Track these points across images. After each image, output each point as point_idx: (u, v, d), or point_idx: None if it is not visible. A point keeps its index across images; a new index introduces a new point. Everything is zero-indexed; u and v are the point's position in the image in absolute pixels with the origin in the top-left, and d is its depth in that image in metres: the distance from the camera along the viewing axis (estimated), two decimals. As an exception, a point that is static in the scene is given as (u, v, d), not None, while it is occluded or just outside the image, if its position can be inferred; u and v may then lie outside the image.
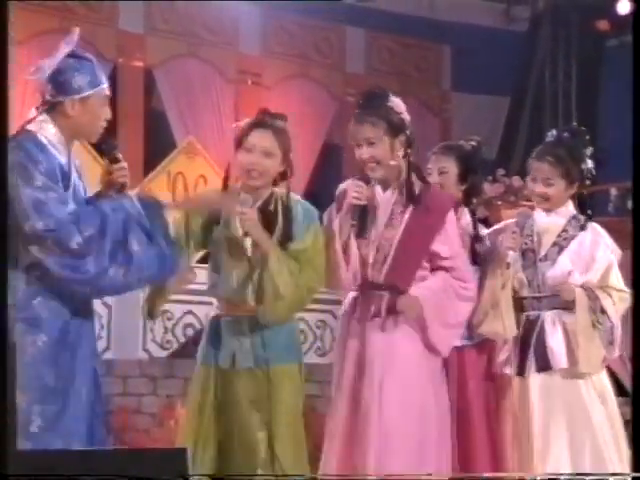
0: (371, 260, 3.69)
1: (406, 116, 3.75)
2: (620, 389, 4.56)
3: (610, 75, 9.38)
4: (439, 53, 10.19)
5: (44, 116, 3.41)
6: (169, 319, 8.59)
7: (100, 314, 7.99)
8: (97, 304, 8.65)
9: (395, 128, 3.70)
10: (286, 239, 3.53)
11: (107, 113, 3.49)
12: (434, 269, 3.72)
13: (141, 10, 8.82)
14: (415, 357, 3.67)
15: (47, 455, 2.87)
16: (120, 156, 3.50)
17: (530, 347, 3.96)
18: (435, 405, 3.67)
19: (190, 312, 8.64)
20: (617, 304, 3.95)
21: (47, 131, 3.40)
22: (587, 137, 4.10)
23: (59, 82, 3.40)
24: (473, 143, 4.22)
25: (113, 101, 10.10)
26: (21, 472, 2.57)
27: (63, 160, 3.41)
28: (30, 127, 3.37)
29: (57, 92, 3.40)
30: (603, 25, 9.35)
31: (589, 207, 4.14)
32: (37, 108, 3.44)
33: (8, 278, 2.69)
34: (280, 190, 3.62)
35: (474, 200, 4.16)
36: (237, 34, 9.26)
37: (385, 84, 8.68)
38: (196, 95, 8.99)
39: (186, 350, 8.00)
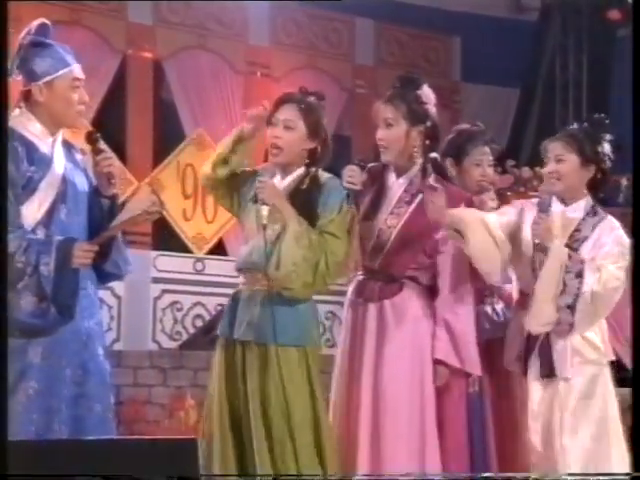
0: (371, 245, 3.68)
1: (431, 108, 3.74)
2: (623, 380, 4.48)
3: (621, 65, 9.34)
4: (449, 44, 10.17)
5: (24, 110, 3.45)
6: (179, 310, 8.61)
7: (110, 305, 8.01)
8: (107, 295, 8.70)
9: (415, 116, 3.69)
10: (316, 215, 3.51)
11: (82, 96, 3.48)
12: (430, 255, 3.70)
13: (150, 2, 8.83)
14: (408, 345, 3.66)
15: (49, 446, 2.85)
16: (104, 146, 3.52)
17: (535, 349, 3.81)
18: (421, 395, 3.64)
19: (199, 303, 8.66)
20: (604, 280, 3.74)
21: (28, 124, 3.43)
22: (607, 123, 3.97)
23: (25, 71, 3.45)
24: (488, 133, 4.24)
25: (123, 93, 10.03)
26: (20, 464, 2.54)
27: (46, 151, 3.43)
28: (11, 124, 3.36)
29: (26, 81, 3.46)
30: (614, 15, 9.31)
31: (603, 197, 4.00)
32: (17, 105, 3.47)
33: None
34: (314, 169, 3.58)
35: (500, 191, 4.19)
36: (246, 26, 9.26)
37: (394, 75, 8.67)
38: (205, 87, 8.99)
39: (196, 341, 8.02)
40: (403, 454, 3.60)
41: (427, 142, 3.72)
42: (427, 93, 3.74)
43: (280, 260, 3.46)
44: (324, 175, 3.60)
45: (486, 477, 3.69)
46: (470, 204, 3.84)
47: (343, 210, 3.54)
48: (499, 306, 4.03)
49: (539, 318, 3.74)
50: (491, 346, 3.93)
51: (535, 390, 3.80)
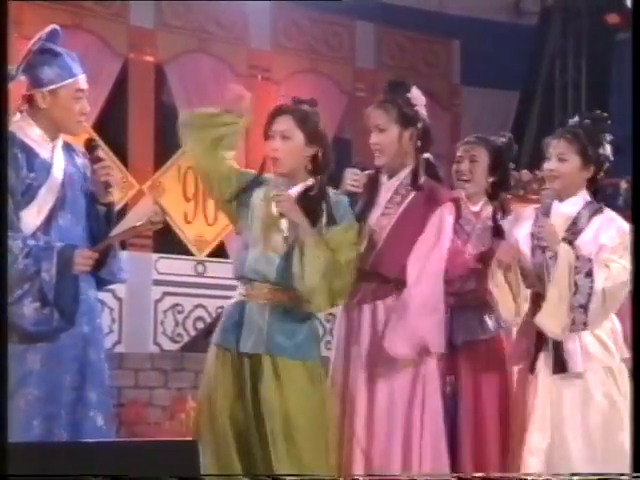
0: (363, 247, 3.70)
1: (421, 110, 3.77)
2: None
3: (620, 69, 9.36)
4: (448, 47, 10.19)
5: (25, 115, 3.47)
6: (180, 312, 8.62)
7: (111, 307, 8.03)
8: (108, 297, 8.70)
9: (406, 119, 3.72)
10: (320, 227, 3.52)
11: (84, 107, 3.51)
12: None
13: (152, 5, 8.85)
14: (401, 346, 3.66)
15: (50, 448, 2.86)
16: (102, 155, 3.54)
17: (543, 346, 3.84)
18: (421, 398, 3.67)
19: (200, 305, 8.67)
20: (614, 275, 3.78)
21: (28, 129, 3.45)
22: (608, 122, 3.99)
23: (31, 76, 3.47)
24: (504, 139, 4.28)
25: (124, 96, 10.04)
26: (21, 466, 2.55)
27: (46, 156, 3.45)
28: (12, 128, 3.36)
29: (30, 86, 3.48)
30: (613, 19, 9.33)
31: (602, 199, 4.02)
32: (19, 109, 3.49)
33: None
34: (319, 177, 3.60)
35: (502, 194, 4.20)
36: (247, 29, 9.27)
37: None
38: (206, 90, 9.01)
39: (197, 343, 8.02)
40: (398, 454, 3.63)
41: (419, 143, 3.76)
42: (416, 95, 3.77)
43: (304, 273, 3.45)
44: (331, 190, 3.62)
45: (489, 477, 3.71)
46: (457, 204, 3.84)
47: (351, 227, 3.58)
48: (482, 309, 4.05)
49: (559, 320, 3.75)
50: (472, 348, 3.96)
51: (544, 387, 3.81)
